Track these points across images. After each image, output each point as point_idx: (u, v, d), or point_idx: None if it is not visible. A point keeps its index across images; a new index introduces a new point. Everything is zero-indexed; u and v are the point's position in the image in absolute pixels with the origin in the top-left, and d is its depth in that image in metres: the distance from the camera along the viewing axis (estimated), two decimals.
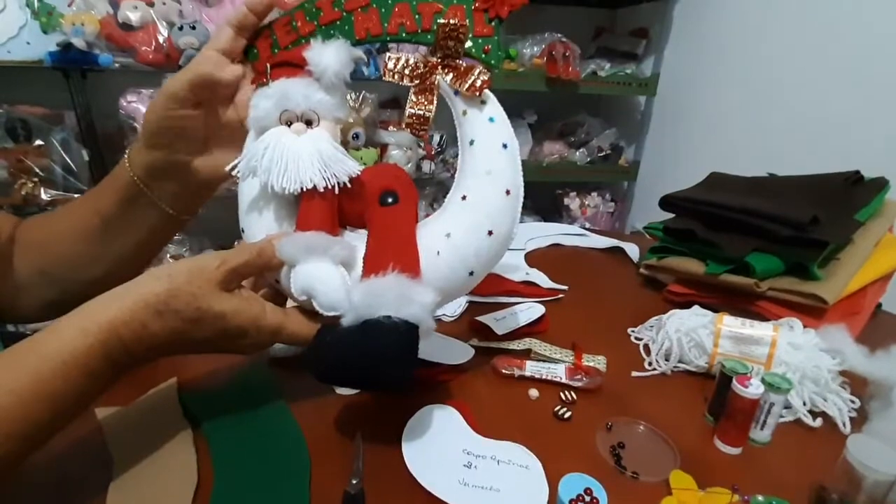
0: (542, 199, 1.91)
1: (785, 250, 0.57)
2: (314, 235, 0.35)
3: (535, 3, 1.77)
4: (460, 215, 0.38)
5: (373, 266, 0.35)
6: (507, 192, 0.38)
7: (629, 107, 1.90)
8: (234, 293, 0.35)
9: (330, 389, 0.44)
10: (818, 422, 0.43)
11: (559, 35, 1.58)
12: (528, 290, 0.65)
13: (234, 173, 0.37)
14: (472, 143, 0.38)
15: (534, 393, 0.45)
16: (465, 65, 0.38)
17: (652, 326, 0.56)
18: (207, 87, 0.39)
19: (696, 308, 0.53)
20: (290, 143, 0.35)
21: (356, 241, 0.37)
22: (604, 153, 1.78)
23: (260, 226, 0.38)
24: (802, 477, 0.37)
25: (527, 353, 0.51)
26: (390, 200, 0.37)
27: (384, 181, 0.38)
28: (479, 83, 0.37)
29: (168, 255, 1.35)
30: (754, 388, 0.38)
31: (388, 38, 0.39)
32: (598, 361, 0.50)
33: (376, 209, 0.37)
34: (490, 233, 0.37)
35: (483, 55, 0.38)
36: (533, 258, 0.78)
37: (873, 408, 0.42)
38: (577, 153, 1.76)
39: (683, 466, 0.37)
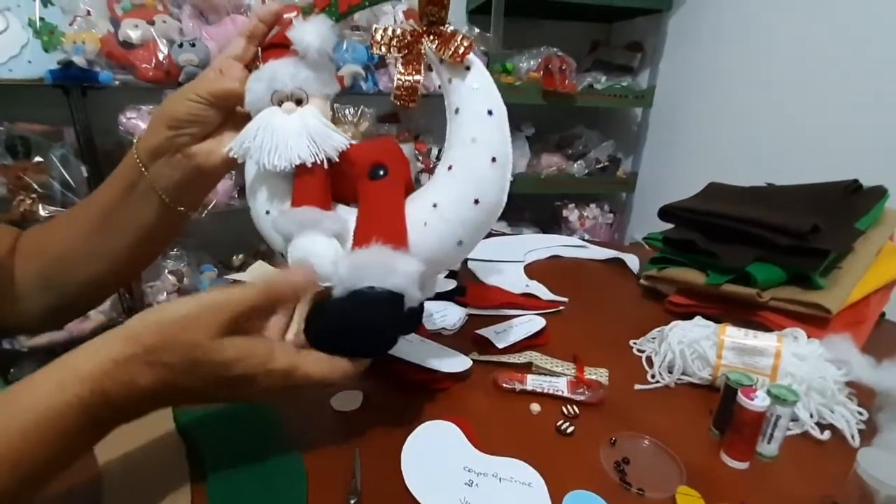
0: (541, 211, 1.91)
1: (786, 260, 0.57)
2: (306, 210, 0.36)
3: (532, 18, 1.81)
4: (447, 185, 0.37)
5: (361, 238, 0.36)
6: (494, 160, 0.37)
7: (626, 119, 1.92)
8: (238, 336, 0.31)
9: (327, 405, 0.43)
10: (826, 434, 0.42)
11: (555, 49, 1.60)
12: (528, 302, 0.65)
13: (230, 154, 0.38)
14: (457, 111, 0.38)
15: (535, 407, 0.44)
16: (449, 31, 0.37)
17: (654, 338, 0.55)
18: (231, 98, 0.41)
19: (698, 319, 0.53)
20: (280, 122, 0.36)
21: (349, 215, 0.38)
22: (602, 165, 1.79)
23: (261, 203, 0.39)
24: (812, 492, 0.36)
25: (528, 367, 0.50)
26: (381, 173, 0.38)
27: (374, 155, 0.38)
28: (461, 49, 0.36)
29: (167, 271, 1.34)
30: (760, 401, 0.37)
31: (367, 4, 0.38)
32: (600, 374, 0.49)
33: (365, 183, 0.38)
34: (476, 201, 0.37)
35: None
36: (533, 270, 0.78)
37: (882, 419, 0.41)
38: (575, 165, 1.76)
39: (690, 482, 0.36)
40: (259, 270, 0.75)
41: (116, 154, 1.23)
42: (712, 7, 1.52)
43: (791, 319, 0.54)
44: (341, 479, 0.35)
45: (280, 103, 0.37)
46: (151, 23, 1.14)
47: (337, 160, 0.37)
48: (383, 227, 0.36)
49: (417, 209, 0.37)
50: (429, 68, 0.39)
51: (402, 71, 0.38)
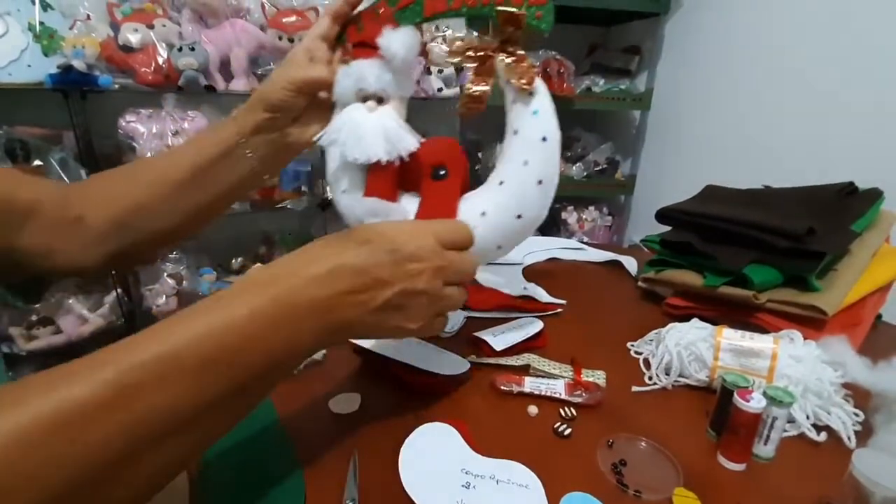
0: None
1: (782, 262, 0.57)
2: (376, 201, 0.42)
3: None
4: (496, 198, 0.42)
5: None
6: (540, 182, 0.41)
7: (624, 121, 1.92)
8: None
9: (325, 407, 0.43)
10: (822, 436, 0.42)
11: (553, 52, 1.60)
12: (526, 304, 0.65)
13: (319, 143, 0.43)
14: (515, 132, 0.42)
15: (533, 410, 0.44)
16: (520, 53, 0.41)
17: (651, 340, 0.55)
18: (319, 86, 0.45)
19: (695, 321, 0.53)
20: (362, 120, 0.41)
21: (411, 205, 0.43)
22: (600, 167, 1.80)
23: (340, 183, 0.45)
24: (808, 493, 0.36)
25: (525, 369, 0.50)
26: (442, 173, 0.42)
27: (437, 156, 0.43)
28: (526, 78, 0.40)
29: (165, 274, 1.34)
30: (756, 402, 0.37)
31: (451, 14, 0.42)
32: (597, 376, 0.49)
33: (428, 181, 0.43)
34: (519, 216, 0.42)
35: (535, 21, 0.40)
36: (531, 272, 0.78)
37: (878, 421, 0.41)
38: (574, 168, 1.77)
39: (686, 484, 0.36)
40: None
41: (115, 158, 1.23)
42: (709, 10, 1.53)
43: (787, 321, 0.54)
44: (339, 481, 0.35)
45: (364, 100, 0.42)
46: (151, 27, 1.15)
47: (407, 159, 0.41)
48: None
49: (468, 214, 0.42)
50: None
51: (473, 81, 0.42)
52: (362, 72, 0.41)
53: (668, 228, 0.70)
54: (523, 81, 0.40)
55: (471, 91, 0.41)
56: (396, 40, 0.40)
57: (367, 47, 0.42)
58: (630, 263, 0.81)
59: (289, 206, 1.45)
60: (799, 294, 0.55)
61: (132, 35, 1.13)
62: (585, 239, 1.77)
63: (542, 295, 0.68)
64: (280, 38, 1.26)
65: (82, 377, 0.24)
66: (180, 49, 1.15)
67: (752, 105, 1.40)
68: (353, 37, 0.45)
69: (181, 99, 1.25)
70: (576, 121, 1.91)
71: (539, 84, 0.41)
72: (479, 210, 0.42)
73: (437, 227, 0.37)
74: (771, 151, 1.35)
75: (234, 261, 1.52)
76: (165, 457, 0.26)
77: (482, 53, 0.41)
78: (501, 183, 0.42)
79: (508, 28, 0.39)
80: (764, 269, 0.57)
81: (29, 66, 1.08)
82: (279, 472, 0.36)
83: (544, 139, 0.41)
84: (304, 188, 1.47)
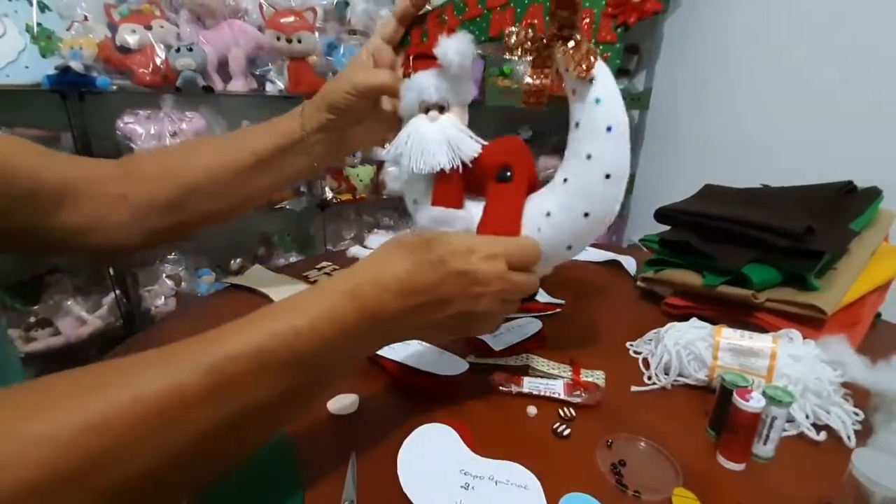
0: None
1: (781, 261, 0.57)
2: (442, 211, 0.42)
3: None
4: (561, 197, 0.41)
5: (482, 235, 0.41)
6: (608, 176, 0.39)
7: None
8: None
9: (323, 408, 0.43)
10: (822, 435, 0.42)
11: None
12: (525, 304, 0.65)
13: (386, 158, 0.46)
14: (577, 125, 0.40)
15: (532, 410, 0.44)
16: (578, 38, 0.38)
17: (650, 340, 0.55)
18: (382, 92, 0.47)
19: (694, 320, 0.53)
20: (425, 131, 0.41)
21: (478, 210, 0.43)
22: None
23: (411, 194, 0.46)
24: (808, 493, 0.36)
25: (524, 369, 0.50)
26: (508, 174, 0.42)
27: (501, 157, 0.42)
28: (585, 65, 0.37)
29: (164, 275, 1.34)
30: (755, 402, 0.37)
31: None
32: (596, 376, 0.49)
33: (492, 185, 0.43)
34: (587, 214, 0.40)
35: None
36: None
37: (878, 420, 0.41)
38: None
39: (686, 484, 0.36)
40: (257, 274, 0.76)
41: (114, 158, 1.23)
42: (708, 9, 1.53)
43: (787, 320, 0.54)
44: (337, 482, 0.35)
45: (426, 110, 0.42)
46: (149, 28, 1.14)
47: (470, 165, 0.41)
48: (501, 229, 0.41)
49: (533, 215, 0.42)
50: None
51: (532, 74, 0.40)
52: (422, 83, 0.42)
53: (667, 228, 0.70)
54: (582, 68, 0.37)
55: (529, 85, 0.40)
56: (451, 48, 0.39)
57: (426, 58, 0.42)
58: (629, 263, 0.81)
59: (288, 207, 1.45)
60: (798, 293, 0.55)
61: (130, 36, 1.13)
62: None
63: (541, 294, 0.68)
64: (278, 39, 1.26)
65: (180, 364, 0.26)
66: (178, 50, 1.15)
67: (751, 104, 1.40)
68: (412, 49, 0.46)
69: (179, 100, 1.25)
70: None
71: (600, 68, 0.38)
72: (543, 210, 0.41)
73: (511, 249, 0.38)
74: (769, 150, 1.35)
75: (232, 261, 1.52)
76: (241, 447, 0.29)
77: (538, 44, 0.39)
78: (566, 180, 0.41)
79: (563, 12, 0.37)
80: (763, 268, 0.57)
81: (26, 67, 1.08)
82: (277, 474, 0.36)
83: (609, 129, 0.38)
84: (302, 188, 1.47)
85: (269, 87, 1.35)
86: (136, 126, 1.19)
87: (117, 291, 1.26)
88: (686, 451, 0.39)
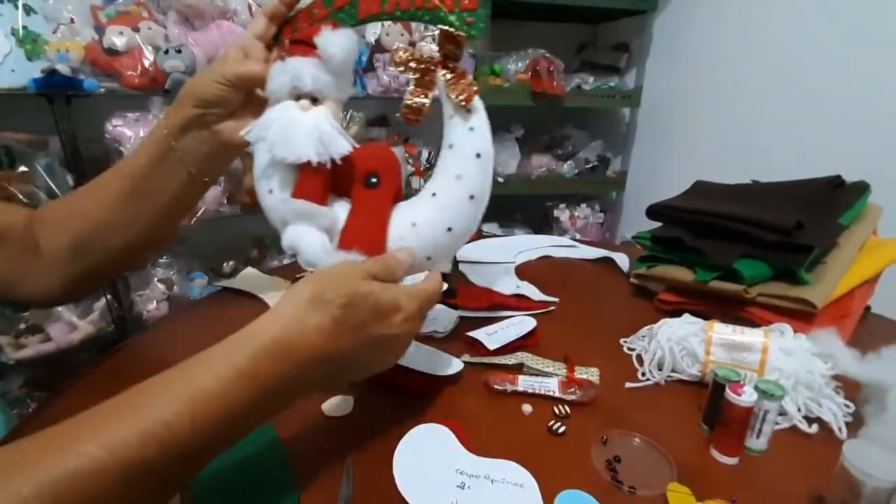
0: (533, 211, 1.91)
1: (771, 256, 0.57)
2: (304, 204, 0.39)
3: (519, 21, 1.82)
4: (428, 210, 0.41)
5: (347, 240, 0.40)
6: (472, 197, 0.41)
7: (614, 119, 1.93)
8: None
9: (318, 411, 0.43)
10: (814, 428, 0.43)
11: (543, 51, 1.60)
12: (519, 303, 0.65)
13: (246, 138, 0.41)
14: (451, 146, 0.41)
15: (527, 408, 0.44)
16: (461, 69, 0.40)
17: (644, 336, 0.56)
18: (253, 81, 0.44)
19: (686, 316, 0.53)
20: (294, 118, 0.39)
21: (342, 211, 0.42)
22: (591, 165, 1.80)
23: (266, 183, 0.42)
24: (801, 485, 0.37)
25: (519, 368, 0.50)
26: (374, 181, 0.41)
27: (371, 163, 0.42)
28: (465, 95, 0.40)
29: (156, 280, 1.33)
30: (747, 396, 0.38)
31: (385, 17, 0.41)
32: (591, 374, 0.49)
33: (360, 189, 0.41)
34: (449, 229, 0.41)
35: (465, 26, 0.39)
36: (523, 271, 0.78)
37: (868, 412, 0.42)
38: (565, 165, 1.77)
39: (680, 478, 0.36)
40: (249, 277, 0.75)
41: (103, 162, 1.21)
42: (696, 7, 1.54)
43: (778, 315, 0.55)
44: (333, 484, 0.35)
45: (297, 98, 0.40)
46: (136, 30, 1.13)
47: (340, 162, 0.40)
48: (367, 235, 0.40)
49: (400, 224, 0.41)
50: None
51: (413, 92, 0.41)
52: (299, 70, 0.40)
53: (659, 224, 0.71)
54: (462, 98, 0.39)
55: (410, 102, 0.41)
56: (335, 42, 0.39)
57: (305, 45, 0.41)
58: (622, 260, 0.82)
59: None
60: (788, 287, 0.56)
61: (117, 38, 1.11)
62: (578, 236, 1.77)
63: (535, 293, 0.69)
64: None
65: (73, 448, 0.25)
66: (166, 52, 1.13)
67: (741, 101, 1.41)
68: (289, 36, 0.44)
69: (168, 102, 1.24)
70: (566, 118, 1.91)
71: (477, 102, 0.41)
72: (410, 220, 0.41)
73: (425, 298, 0.38)
74: (760, 147, 1.36)
75: (225, 264, 1.51)
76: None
77: (424, 66, 0.40)
78: (434, 195, 0.42)
79: (449, 46, 0.39)
80: (753, 263, 0.58)
81: (12, 70, 1.07)
82: (272, 476, 0.36)
83: (478, 156, 0.40)
84: None
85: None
86: (125, 129, 1.17)
87: (109, 296, 1.24)
88: (680, 446, 0.40)
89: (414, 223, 0.41)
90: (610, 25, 1.90)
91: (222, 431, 0.29)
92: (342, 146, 0.39)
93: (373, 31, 1.36)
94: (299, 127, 0.39)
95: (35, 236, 0.45)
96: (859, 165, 0.77)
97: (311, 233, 0.40)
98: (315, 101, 0.41)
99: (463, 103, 0.40)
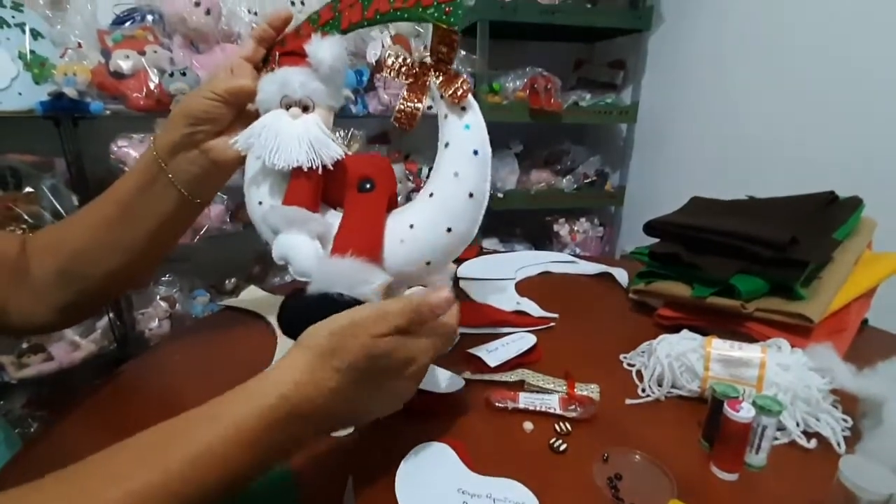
0: (532, 226, 1.93)
1: (767, 271, 0.58)
2: (296, 210, 0.39)
3: (517, 40, 1.86)
4: (425, 210, 0.41)
5: (340, 245, 0.39)
6: (471, 195, 0.40)
7: (611, 134, 1.96)
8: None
9: None
10: (813, 443, 0.43)
11: (540, 69, 1.63)
12: (519, 319, 0.66)
13: (235, 147, 0.41)
14: (446, 145, 0.41)
15: (528, 426, 0.45)
16: (453, 71, 0.40)
17: (643, 352, 0.56)
18: (243, 95, 0.44)
19: (685, 332, 0.54)
20: (285, 125, 0.39)
21: (335, 220, 0.41)
22: (590, 179, 1.82)
23: (256, 194, 0.42)
24: (801, 500, 0.37)
25: (520, 385, 0.51)
26: (368, 187, 0.41)
27: (364, 168, 0.42)
28: (459, 92, 0.39)
29: (158, 297, 1.33)
30: (745, 412, 0.38)
31: (367, 24, 0.42)
32: (591, 390, 0.49)
33: (353, 193, 0.41)
34: (449, 230, 0.40)
35: (444, 16, 0.39)
36: (523, 287, 0.79)
37: (865, 426, 0.42)
38: (564, 180, 1.79)
39: (681, 495, 0.36)
40: (252, 295, 0.76)
41: (108, 183, 1.22)
42: (691, 25, 1.57)
43: (775, 329, 0.55)
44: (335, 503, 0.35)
45: (288, 107, 0.41)
46: (142, 53, 1.16)
47: (331, 168, 0.40)
48: (361, 239, 0.39)
49: (397, 226, 0.40)
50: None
51: (406, 97, 0.41)
52: (287, 78, 0.40)
53: (657, 240, 0.72)
54: (457, 95, 0.39)
55: (403, 107, 0.41)
56: (324, 48, 0.39)
57: (295, 55, 0.41)
58: (621, 275, 0.82)
59: None
60: (785, 302, 0.56)
61: (123, 62, 1.14)
62: (578, 250, 1.78)
63: (535, 309, 0.69)
64: None
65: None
66: (171, 74, 1.16)
67: (737, 118, 1.43)
68: (278, 50, 0.44)
69: None
70: (564, 134, 1.94)
71: (472, 100, 0.41)
72: (407, 222, 0.40)
73: (398, 321, 0.34)
74: (756, 163, 1.38)
75: (227, 282, 1.52)
76: None
77: (416, 70, 0.41)
78: (431, 195, 0.41)
79: (443, 48, 0.39)
80: (750, 278, 0.58)
81: (20, 94, 1.09)
82: (274, 497, 0.36)
83: (476, 153, 0.40)
84: None
85: None
86: (130, 150, 1.19)
87: (111, 315, 1.25)
88: (681, 463, 0.40)
89: (412, 224, 0.40)
90: (606, 44, 1.94)
91: (223, 489, 0.29)
92: (334, 151, 0.39)
93: (373, 51, 1.39)
94: (290, 132, 0.39)
95: (27, 263, 0.44)
96: (854, 180, 0.79)
97: (302, 240, 0.39)
98: (306, 109, 0.41)
99: (456, 100, 0.39)
